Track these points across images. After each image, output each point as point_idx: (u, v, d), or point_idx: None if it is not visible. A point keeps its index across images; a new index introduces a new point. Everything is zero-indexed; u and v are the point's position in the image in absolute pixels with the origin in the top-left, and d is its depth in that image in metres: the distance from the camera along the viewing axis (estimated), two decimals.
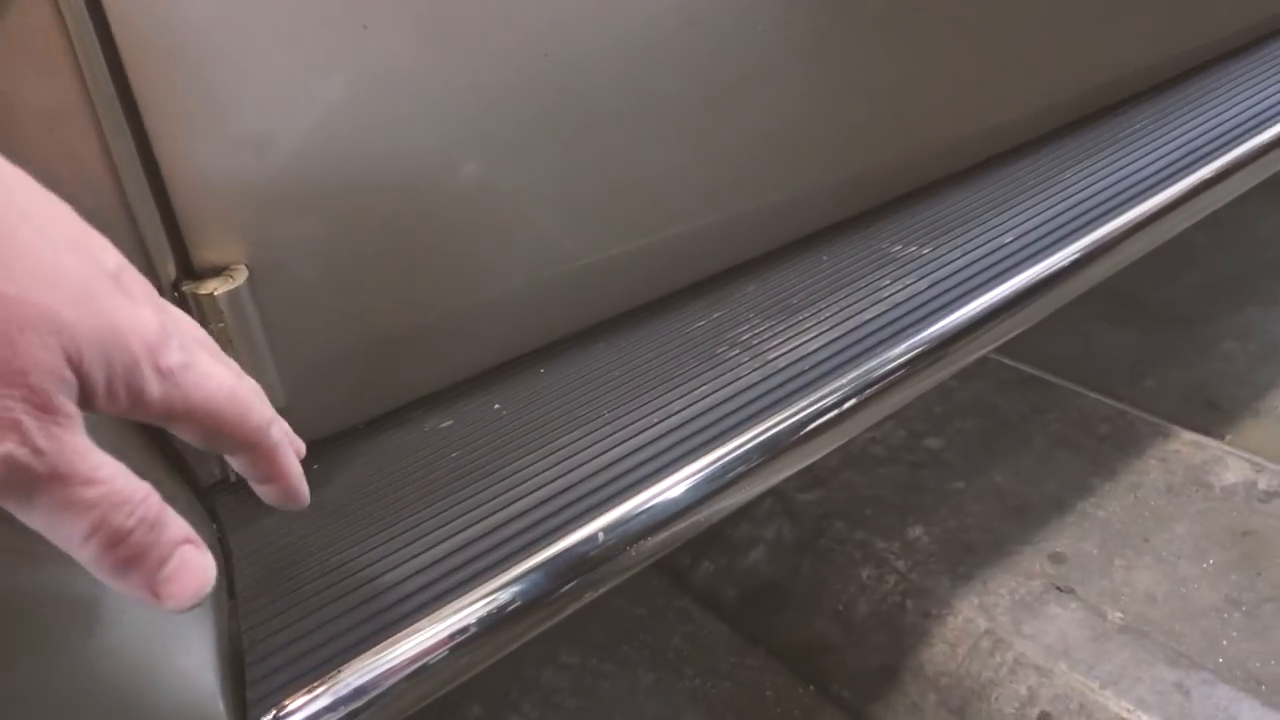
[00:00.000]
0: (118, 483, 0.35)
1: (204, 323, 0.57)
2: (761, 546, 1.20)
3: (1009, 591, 1.03)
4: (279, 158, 0.59)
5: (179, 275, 0.57)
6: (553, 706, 1.12)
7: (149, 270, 0.55)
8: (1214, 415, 1.34)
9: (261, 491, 0.48)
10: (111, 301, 0.35)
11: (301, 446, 0.51)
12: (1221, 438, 1.28)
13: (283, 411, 0.61)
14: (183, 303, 0.57)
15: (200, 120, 0.56)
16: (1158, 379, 1.41)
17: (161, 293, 0.56)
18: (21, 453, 0.32)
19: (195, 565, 0.38)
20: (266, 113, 0.57)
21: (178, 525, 0.38)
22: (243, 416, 0.42)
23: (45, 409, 0.32)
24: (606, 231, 0.77)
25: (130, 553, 0.36)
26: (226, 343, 0.57)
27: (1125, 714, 0.88)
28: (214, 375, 0.40)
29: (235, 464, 0.45)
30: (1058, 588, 1.03)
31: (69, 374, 0.33)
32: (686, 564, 1.25)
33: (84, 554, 0.35)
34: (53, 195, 0.36)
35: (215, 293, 0.56)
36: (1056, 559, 1.07)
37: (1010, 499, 1.17)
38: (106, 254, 0.37)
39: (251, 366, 0.59)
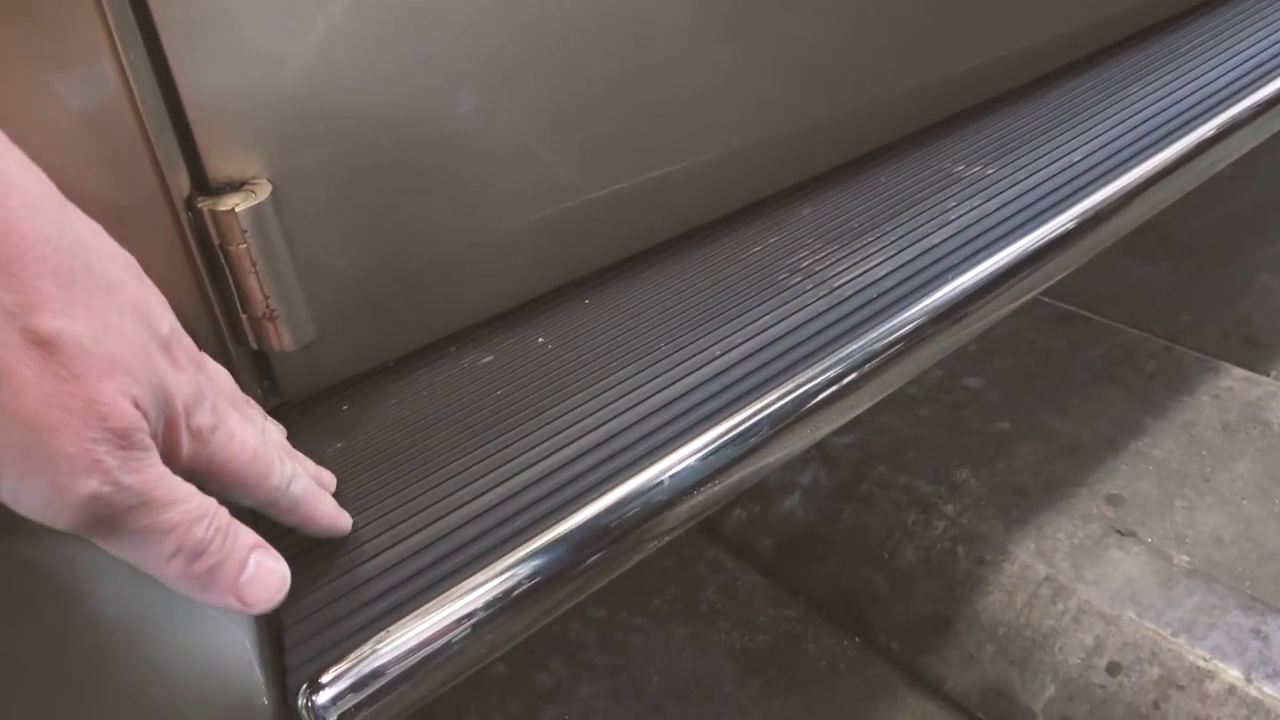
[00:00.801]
0: (192, 501, 0.38)
1: (224, 243, 0.50)
2: (797, 493, 1.14)
3: (1067, 536, 0.98)
4: (296, 72, 0.52)
5: (193, 191, 0.51)
6: (582, 663, 1.07)
7: (160, 185, 0.48)
8: (1257, 351, 1.28)
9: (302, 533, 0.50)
10: (161, 363, 0.38)
11: (330, 480, 0.53)
12: (1267, 373, 1.22)
13: (312, 345, 0.56)
14: (199, 221, 0.50)
15: (214, 30, 0.49)
16: (1194, 314, 1.35)
17: (174, 210, 0.50)
18: (106, 490, 0.34)
19: (270, 568, 0.42)
20: (281, 25, 0.50)
21: (246, 532, 0.42)
22: (264, 475, 0.44)
23: (125, 447, 0.35)
24: (647, 152, 0.70)
25: (212, 561, 0.39)
26: (250, 265, 0.51)
27: (1201, 663, 0.83)
28: (238, 437, 0.43)
29: (266, 515, 0.47)
30: (1118, 531, 0.97)
31: (140, 415, 0.36)
32: (716, 512, 1.19)
33: (170, 570, 0.38)
34: (120, 255, 0.39)
35: (236, 209, 0.49)
36: (1114, 501, 1.02)
37: (1059, 439, 1.11)
38: (161, 320, 0.40)
39: (276, 292, 0.52)
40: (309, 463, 0.52)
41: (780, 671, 1.00)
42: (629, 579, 1.21)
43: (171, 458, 0.39)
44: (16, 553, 0.39)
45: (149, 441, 0.36)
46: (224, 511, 0.40)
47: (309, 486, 0.48)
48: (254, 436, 0.44)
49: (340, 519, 0.50)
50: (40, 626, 0.38)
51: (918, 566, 1.01)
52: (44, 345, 0.33)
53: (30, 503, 0.34)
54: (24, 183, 0.34)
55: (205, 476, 0.42)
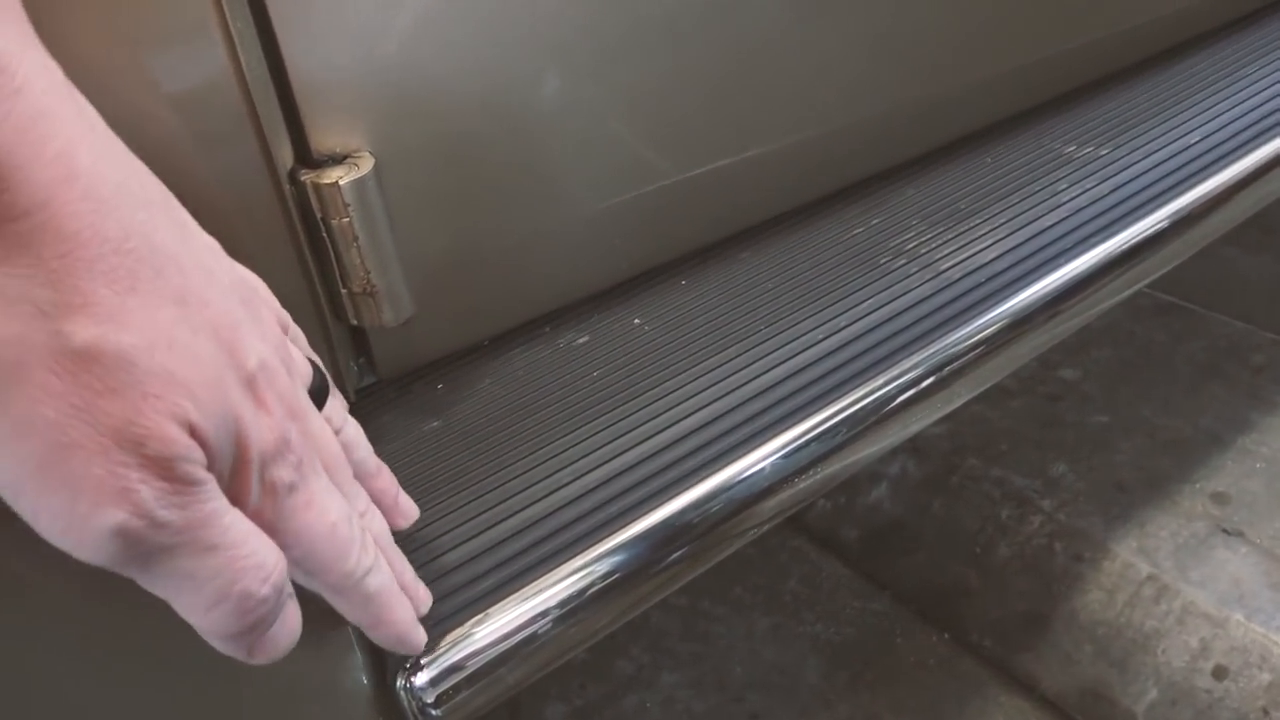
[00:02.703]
0: (247, 546, 0.33)
1: (326, 217, 0.50)
2: (884, 484, 1.12)
3: (1170, 534, 0.94)
4: (399, 45, 0.51)
5: (296, 164, 0.50)
6: (664, 651, 1.06)
7: (265, 157, 0.48)
8: None
9: (367, 634, 0.43)
10: (236, 396, 0.34)
11: (425, 596, 0.46)
12: None
13: (409, 322, 0.55)
14: (301, 194, 0.49)
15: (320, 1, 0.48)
16: None
17: (278, 182, 0.49)
18: (137, 524, 0.30)
19: (291, 619, 0.37)
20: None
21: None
22: (338, 556, 0.38)
23: (168, 477, 0.30)
24: (743, 132, 0.68)
25: (255, 619, 0.34)
26: (351, 239, 0.50)
27: None
28: (318, 506, 0.37)
29: (329, 601, 0.41)
30: (1224, 530, 0.94)
31: (193, 444, 0.31)
32: None
33: (208, 622, 0.33)
34: (223, 274, 0.35)
35: (340, 181, 0.48)
36: (1219, 499, 0.98)
37: (1161, 434, 1.07)
38: (248, 353, 0.35)
39: (377, 267, 0.51)
40: (408, 569, 0.46)
41: (867, 665, 0.98)
42: (710, 567, 1.20)
43: (237, 506, 0.34)
44: None
45: (203, 475, 0.32)
46: (284, 563, 0.35)
47: (388, 586, 0.42)
48: (337, 510, 0.38)
49: (415, 634, 0.43)
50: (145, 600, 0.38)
51: (1012, 562, 0.98)
52: (79, 353, 0.29)
53: (48, 527, 0.30)
54: (91, 176, 0.31)
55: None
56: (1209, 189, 0.73)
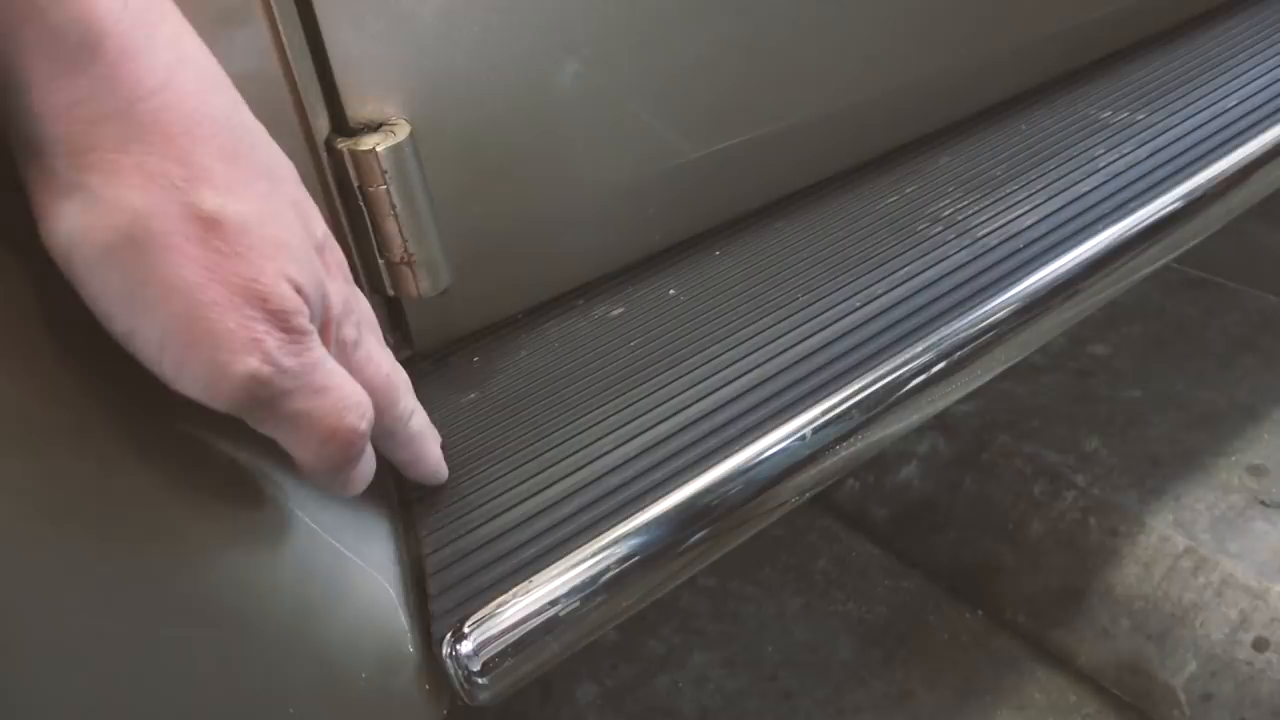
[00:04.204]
0: (347, 388, 0.38)
1: (363, 185, 0.49)
2: (914, 462, 1.11)
3: (1207, 507, 0.93)
4: (435, 9, 0.51)
5: (332, 132, 0.50)
6: (693, 631, 1.05)
7: (303, 125, 0.48)
8: None
9: (404, 472, 0.49)
10: (318, 262, 0.37)
11: (438, 436, 0.51)
12: None
13: (445, 294, 0.55)
14: (338, 163, 0.49)
15: None
16: None
17: (314, 150, 0.49)
18: (266, 370, 0.34)
19: (370, 457, 0.42)
20: None
21: None
22: (392, 402, 0.44)
23: (286, 329, 0.34)
24: (776, 102, 0.68)
25: (356, 451, 0.39)
26: (389, 208, 0.50)
27: None
28: (375, 358, 0.42)
29: (378, 446, 0.45)
30: (1262, 502, 0.92)
31: (300, 299, 0.35)
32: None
33: (322, 454, 0.38)
34: (283, 156, 0.38)
35: (378, 148, 0.48)
36: (1256, 471, 0.97)
37: (1195, 407, 1.06)
38: (316, 224, 0.39)
39: (415, 236, 0.51)
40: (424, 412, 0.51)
41: (900, 643, 0.98)
42: (738, 547, 1.19)
43: None
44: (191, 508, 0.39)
45: (309, 326, 0.35)
46: (372, 405, 0.39)
47: (427, 425, 0.48)
48: (389, 361, 0.43)
49: (442, 468, 0.50)
50: (205, 567, 0.38)
51: (1046, 538, 0.97)
52: (208, 221, 0.32)
53: (191, 379, 0.33)
54: (198, 60, 0.34)
55: None
56: (1248, 153, 0.72)
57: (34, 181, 0.32)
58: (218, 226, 0.33)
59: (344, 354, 0.39)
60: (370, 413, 0.39)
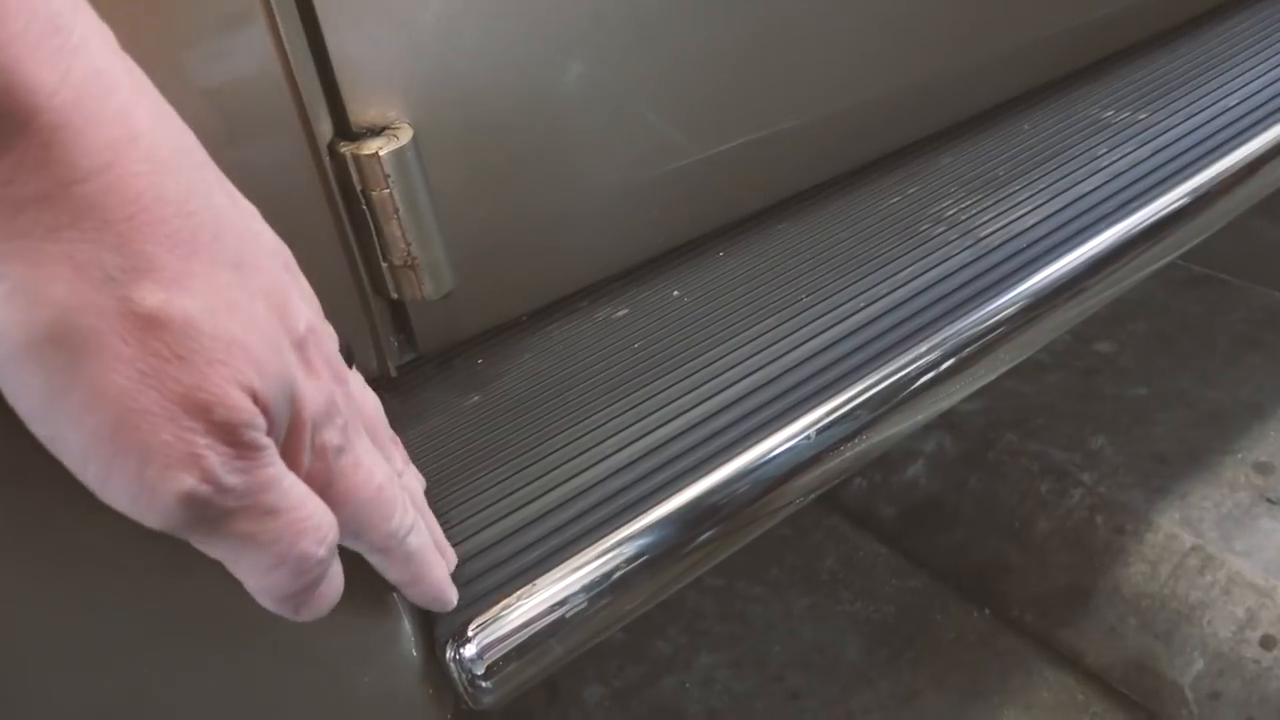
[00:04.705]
0: (304, 509, 0.33)
1: (366, 189, 0.49)
2: (920, 461, 1.11)
3: (1213, 505, 0.93)
4: (436, 14, 0.51)
5: (335, 136, 0.50)
6: (701, 632, 1.05)
7: (305, 129, 0.48)
8: None
9: (403, 594, 0.44)
10: (291, 361, 0.34)
11: (453, 557, 0.47)
12: None
13: (449, 297, 0.55)
14: (341, 167, 0.49)
15: None
16: None
17: (317, 155, 0.49)
18: (204, 490, 0.30)
19: (336, 578, 0.37)
20: None
21: None
22: (384, 517, 0.39)
23: (232, 443, 0.30)
24: (778, 104, 0.68)
25: (311, 579, 0.34)
26: (392, 211, 0.50)
27: None
28: (365, 467, 0.38)
29: (371, 561, 0.42)
30: (1269, 499, 0.92)
31: (256, 410, 0.31)
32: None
33: (268, 582, 0.33)
34: (268, 238, 0.35)
35: (380, 152, 0.48)
36: (1263, 469, 0.97)
37: (1201, 405, 1.06)
38: (298, 316, 0.35)
39: (418, 239, 0.51)
40: (438, 529, 0.47)
41: (907, 643, 0.98)
42: (744, 547, 1.19)
43: (289, 469, 0.34)
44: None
45: (264, 440, 0.31)
46: (335, 524, 0.35)
47: (427, 544, 0.43)
48: (382, 471, 0.39)
49: (450, 591, 0.44)
50: (206, 573, 0.38)
51: (1052, 537, 0.97)
52: (146, 318, 0.29)
53: (117, 493, 0.30)
54: (152, 137, 0.30)
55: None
56: (1250, 151, 0.71)
57: None
58: (158, 325, 0.29)
59: (322, 461, 0.35)
60: (333, 536, 0.35)
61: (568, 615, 0.45)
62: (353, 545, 0.39)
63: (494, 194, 0.56)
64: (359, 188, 0.50)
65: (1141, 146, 0.71)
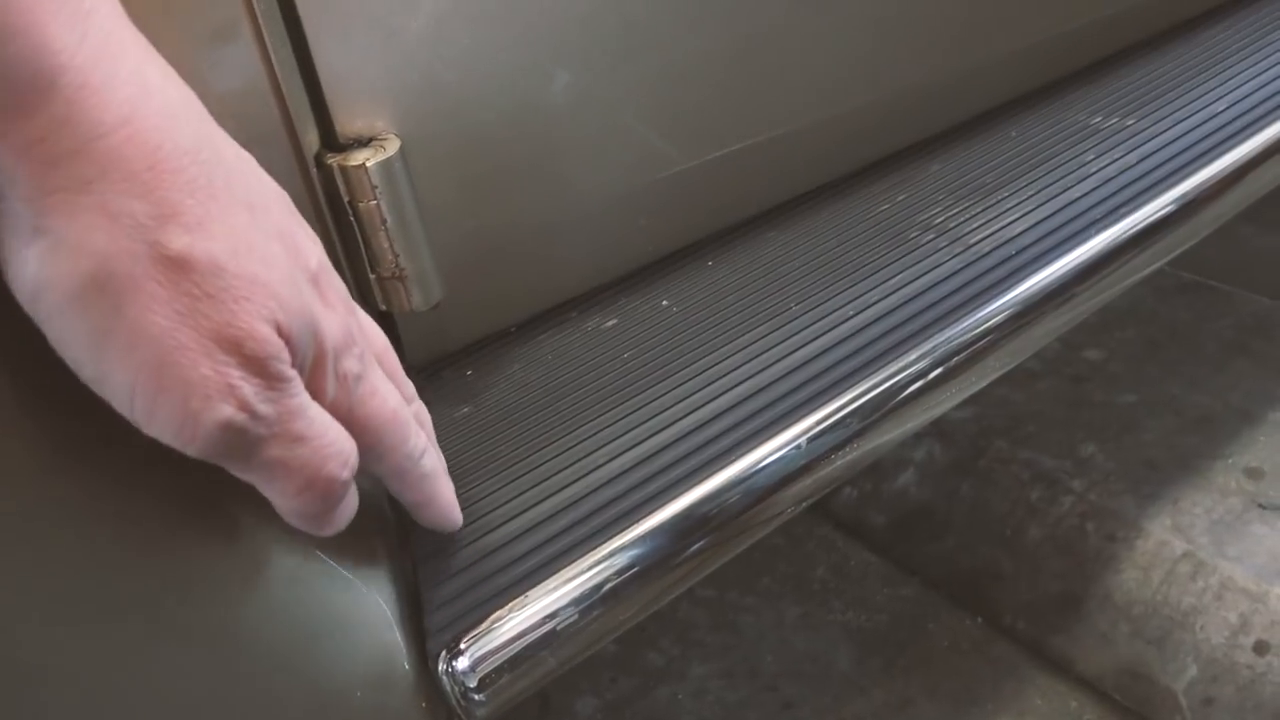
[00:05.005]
0: (328, 435, 0.36)
1: (353, 200, 0.49)
2: (911, 469, 1.11)
3: (1205, 510, 0.93)
4: (423, 25, 0.51)
5: (321, 148, 0.50)
6: (693, 643, 1.05)
7: (292, 141, 0.47)
8: None
9: (414, 516, 0.47)
10: (309, 295, 0.36)
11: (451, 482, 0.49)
12: None
13: (437, 308, 0.55)
14: (329, 178, 0.49)
15: None
16: None
17: (304, 167, 0.49)
18: (241, 418, 0.33)
19: (352, 497, 0.40)
20: None
21: None
22: (400, 439, 0.42)
23: (263, 374, 0.33)
24: (764, 112, 0.68)
25: (335, 499, 0.38)
26: (379, 222, 0.49)
27: None
28: (381, 393, 0.40)
29: (387, 485, 0.45)
30: (1260, 505, 0.92)
31: (281, 343, 0.34)
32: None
33: (296, 502, 0.36)
34: (270, 183, 0.37)
35: (368, 163, 0.48)
36: (1253, 474, 0.97)
37: (1190, 411, 1.06)
38: (310, 253, 0.37)
39: (406, 251, 0.51)
40: (443, 457, 0.49)
41: (900, 651, 0.97)
42: (736, 557, 1.18)
43: (315, 399, 0.37)
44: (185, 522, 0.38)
45: (290, 371, 0.34)
46: (356, 449, 0.38)
47: (439, 466, 0.46)
48: (395, 398, 0.41)
49: (455, 511, 0.47)
50: (195, 587, 0.37)
51: (1044, 544, 0.97)
52: (176, 261, 0.31)
53: (162, 426, 0.32)
54: (164, 93, 0.32)
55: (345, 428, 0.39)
56: (1240, 155, 0.72)
57: None
58: (187, 266, 0.31)
59: (343, 389, 0.38)
60: (354, 460, 0.38)
61: (560, 627, 0.45)
62: (373, 470, 0.42)
63: (482, 204, 0.56)
64: (346, 199, 0.49)
65: (1130, 153, 0.72)
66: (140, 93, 0.31)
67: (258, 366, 0.33)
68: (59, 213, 0.30)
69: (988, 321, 0.58)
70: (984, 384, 0.60)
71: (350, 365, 0.38)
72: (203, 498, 0.39)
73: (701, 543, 0.49)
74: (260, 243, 0.34)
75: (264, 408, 0.33)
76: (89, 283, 0.30)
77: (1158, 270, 0.68)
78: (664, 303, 0.63)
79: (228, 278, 0.32)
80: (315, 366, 0.36)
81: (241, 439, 0.33)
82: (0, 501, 0.34)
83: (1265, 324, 1.19)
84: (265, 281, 0.33)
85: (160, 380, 0.31)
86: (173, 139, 0.32)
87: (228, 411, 0.32)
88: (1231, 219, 0.73)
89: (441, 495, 0.46)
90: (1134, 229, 0.65)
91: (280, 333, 0.33)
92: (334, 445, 0.36)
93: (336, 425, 0.37)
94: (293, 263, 0.35)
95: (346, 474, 0.37)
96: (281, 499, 0.37)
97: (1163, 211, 0.66)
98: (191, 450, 0.33)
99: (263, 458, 0.34)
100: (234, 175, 0.34)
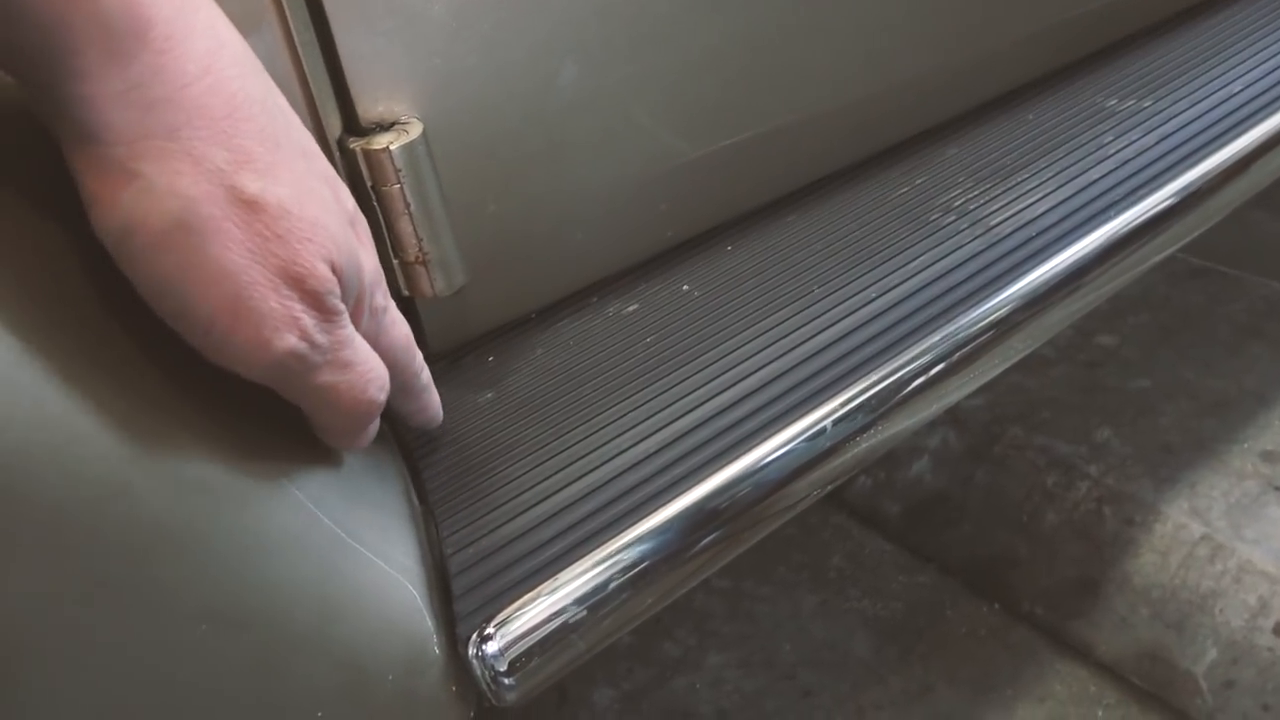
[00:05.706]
0: (370, 362, 0.40)
1: (376, 184, 0.49)
2: (925, 457, 1.11)
3: (1222, 494, 0.93)
4: (444, 9, 0.51)
5: (344, 132, 0.49)
6: (710, 633, 1.05)
7: (315, 126, 0.47)
8: None
9: (408, 421, 0.52)
10: (351, 236, 0.39)
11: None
12: None
13: (459, 294, 0.55)
14: (351, 162, 0.49)
15: None
16: None
17: (327, 151, 0.48)
18: (303, 346, 0.36)
19: (379, 415, 0.44)
20: None
21: None
22: (410, 359, 0.47)
23: (320, 308, 0.37)
24: (783, 97, 0.67)
25: (373, 419, 0.43)
26: (403, 207, 0.49)
27: None
28: (399, 323, 0.45)
29: (391, 400, 0.47)
30: (1276, 488, 0.92)
31: (335, 279, 0.37)
32: None
33: (342, 422, 0.41)
34: (308, 133, 0.39)
35: (391, 147, 0.48)
36: (1270, 457, 0.96)
37: (1206, 395, 1.06)
38: (347, 197, 0.41)
39: (429, 235, 0.51)
40: None
41: (918, 638, 0.97)
42: (751, 548, 1.18)
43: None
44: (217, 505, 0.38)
45: (340, 305, 0.37)
46: (388, 375, 0.42)
47: (430, 377, 0.51)
48: (406, 324, 0.46)
49: (440, 412, 0.53)
50: (230, 570, 0.37)
51: (1060, 529, 0.97)
52: (251, 204, 0.34)
53: (234, 352, 0.36)
54: (234, 45, 0.35)
55: None
56: (1259, 135, 0.71)
57: (85, 169, 0.33)
58: (260, 209, 0.34)
59: (375, 319, 0.42)
60: (388, 384, 0.42)
61: (589, 610, 0.45)
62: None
63: (504, 189, 0.56)
64: (369, 183, 0.49)
65: (1147, 134, 0.71)
66: (216, 45, 0.34)
67: (317, 301, 0.36)
68: (150, 158, 0.32)
69: (1012, 302, 0.58)
70: (1007, 366, 0.59)
71: (380, 298, 0.42)
72: (234, 483, 0.39)
73: (730, 525, 0.48)
74: (316, 188, 0.37)
75: (321, 337, 0.37)
76: (177, 223, 0.33)
77: (1170, 256, 0.68)
78: (685, 287, 0.63)
79: (293, 220, 0.35)
80: (358, 300, 0.40)
81: (302, 364, 0.37)
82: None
83: (1278, 308, 1.18)
84: (324, 224, 0.36)
85: (237, 312, 0.34)
86: (245, 90, 0.34)
87: (292, 340, 0.36)
88: (1243, 205, 0.73)
89: (434, 402, 0.51)
90: (1155, 209, 0.65)
91: (334, 270, 0.37)
92: (374, 370, 0.40)
93: (372, 353, 0.41)
94: (338, 206, 0.38)
95: (383, 396, 0.41)
96: (330, 419, 0.40)
97: (1185, 191, 0.66)
98: (256, 374, 0.37)
99: (316, 382, 0.38)
100: (291, 124, 0.37)
